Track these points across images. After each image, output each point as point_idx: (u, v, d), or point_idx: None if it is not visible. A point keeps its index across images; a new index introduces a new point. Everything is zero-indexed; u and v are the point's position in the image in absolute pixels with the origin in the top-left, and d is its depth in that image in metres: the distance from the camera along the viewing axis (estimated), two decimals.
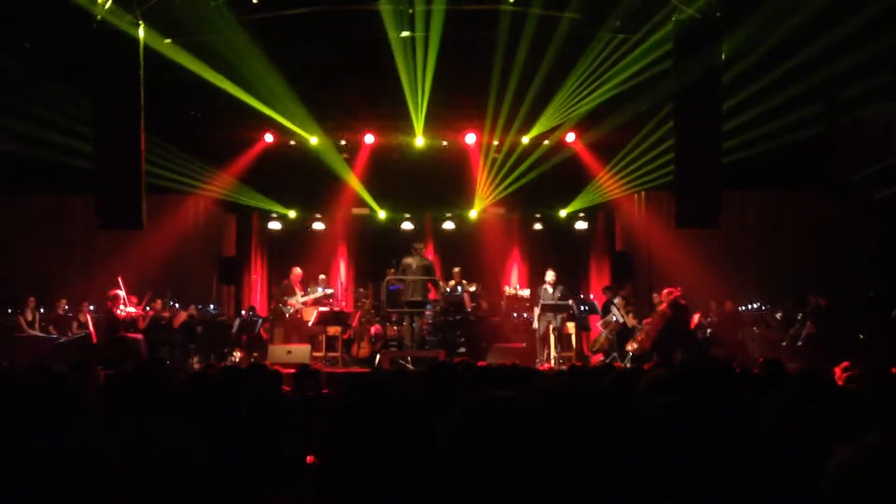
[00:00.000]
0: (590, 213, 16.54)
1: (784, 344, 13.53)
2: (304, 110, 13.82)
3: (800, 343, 13.36)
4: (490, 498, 1.55)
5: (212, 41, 11.88)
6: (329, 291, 14.27)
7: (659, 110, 12.81)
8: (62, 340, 13.59)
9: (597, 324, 14.04)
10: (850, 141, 13.55)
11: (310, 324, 13.67)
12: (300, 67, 12.87)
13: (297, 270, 14.25)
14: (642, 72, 12.27)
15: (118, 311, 12.55)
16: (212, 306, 15.29)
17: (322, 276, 14.86)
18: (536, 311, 13.27)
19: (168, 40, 11.70)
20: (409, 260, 13.16)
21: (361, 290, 15.64)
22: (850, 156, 13.67)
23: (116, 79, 10.80)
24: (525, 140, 15.00)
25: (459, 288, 14.37)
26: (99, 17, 10.54)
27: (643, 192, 15.68)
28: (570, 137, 15.25)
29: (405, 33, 12.46)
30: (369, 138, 15.26)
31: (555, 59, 12.48)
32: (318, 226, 16.61)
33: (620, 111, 13.73)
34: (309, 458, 4.01)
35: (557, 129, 14.75)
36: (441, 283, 14.19)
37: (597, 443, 2.69)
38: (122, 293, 12.79)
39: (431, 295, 13.74)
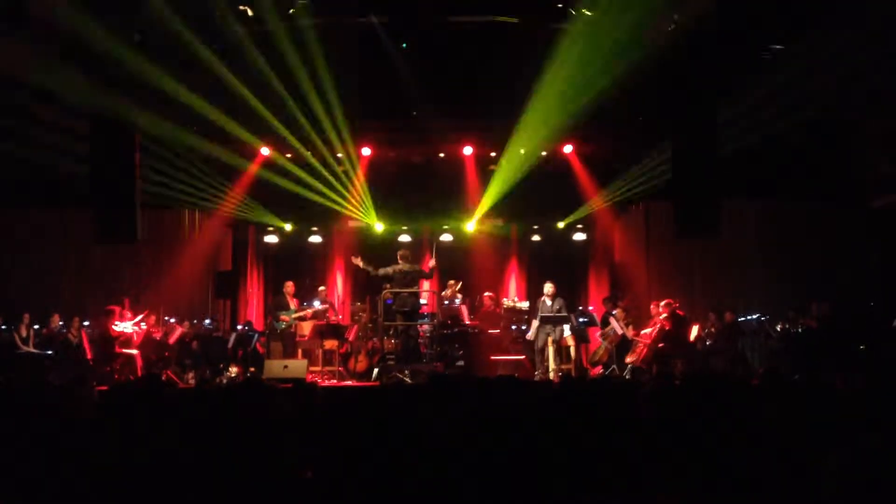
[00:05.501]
0: (588, 225, 16.49)
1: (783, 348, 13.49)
2: (301, 122, 13.77)
3: (799, 330, 13.34)
4: None
5: (207, 54, 11.85)
6: (321, 307, 14.17)
7: (656, 119, 12.78)
8: (56, 357, 13.50)
9: (596, 335, 13.97)
10: (852, 149, 13.54)
11: (305, 337, 13.60)
12: (297, 79, 12.83)
13: (290, 284, 14.14)
14: (639, 80, 12.22)
15: (113, 327, 12.46)
16: (207, 321, 15.21)
17: (321, 289, 14.79)
18: (535, 323, 13.18)
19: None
20: (398, 268, 12.95)
21: (359, 303, 15.56)
22: (851, 165, 13.66)
23: (111, 92, 10.76)
24: (522, 152, 14.98)
25: (457, 300, 14.29)
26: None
27: (642, 203, 15.66)
28: (568, 149, 15.25)
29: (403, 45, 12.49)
30: (366, 151, 15.24)
31: (549, 70, 12.46)
32: (315, 239, 16.54)
33: (618, 121, 13.69)
34: (309, 474, 3.94)
35: (554, 140, 14.73)
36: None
37: (586, 453, 2.63)
38: (118, 309, 12.72)
39: (429, 308, 13.64)
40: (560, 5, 11.50)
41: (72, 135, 12.00)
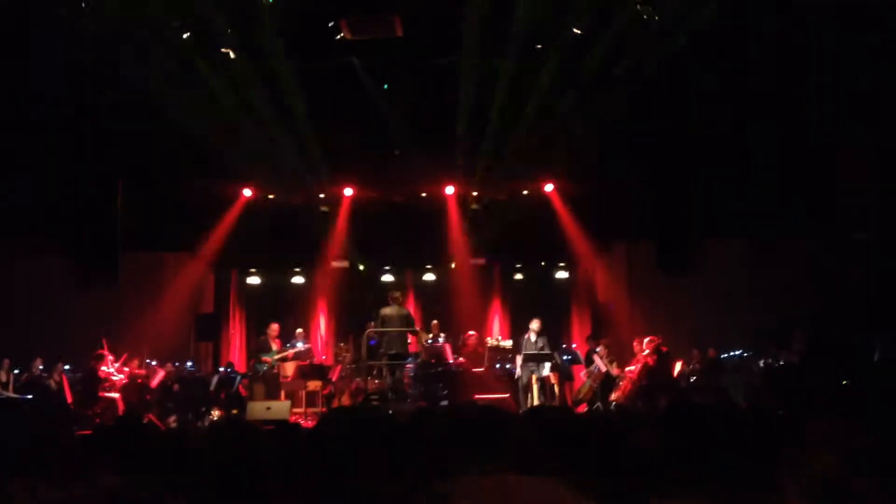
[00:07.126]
0: (570, 263, 16.53)
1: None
2: (283, 164, 13.80)
3: (780, 364, 13.33)
4: None
5: (190, 94, 11.91)
6: (302, 347, 14.06)
7: (639, 158, 12.89)
8: (36, 402, 13.29)
9: (580, 373, 13.95)
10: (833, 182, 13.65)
11: (288, 379, 13.50)
12: (280, 120, 12.88)
13: (275, 326, 14.07)
14: (622, 118, 12.33)
15: (101, 370, 12.37)
16: (189, 364, 15.07)
17: (299, 330, 14.71)
18: (519, 360, 13.17)
19: None
20: (387, 311, 12.93)
21: (342, 344, 15.47)
22: (833, 198, 13.77)
23: (94, 138, 10.79)
24: (504, 191, 15.09)
25: (440, 340, 14.26)
26: None
27: (624, 241, 15.72)
28: (549, 188, 15.35)
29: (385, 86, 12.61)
30: (348, 191, 15.28)
31: (533, 109, 12.58)
32: (298, 280, 16.50)
33: (600, 160, 13.82)
34: None
35: (536, 179, 14.84)
36: (422, 333, 14.05)
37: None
38: (108, 355, 12.64)
39: (412, 347, 13.60)
40: (539, 46, 11.62)
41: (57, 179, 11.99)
